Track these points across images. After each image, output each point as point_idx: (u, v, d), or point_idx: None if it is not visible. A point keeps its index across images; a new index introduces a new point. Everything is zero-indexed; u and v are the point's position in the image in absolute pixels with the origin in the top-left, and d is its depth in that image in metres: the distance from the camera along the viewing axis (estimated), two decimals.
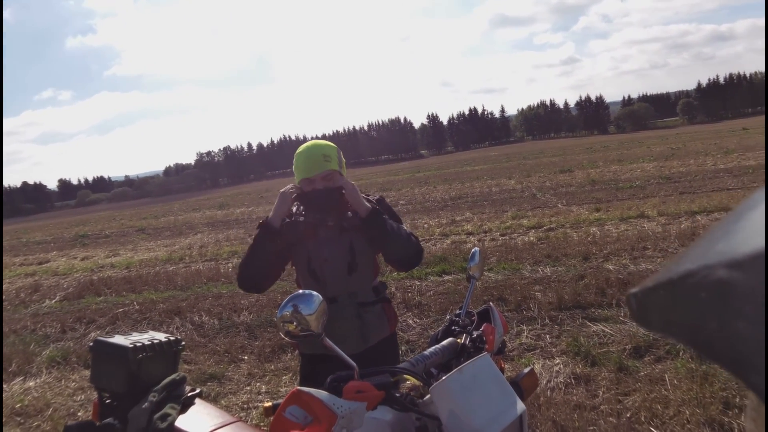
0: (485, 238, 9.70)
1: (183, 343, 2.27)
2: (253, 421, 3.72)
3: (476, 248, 2.11)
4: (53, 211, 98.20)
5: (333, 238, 2.15)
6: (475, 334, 1.73)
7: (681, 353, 3.89)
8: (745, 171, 14.80)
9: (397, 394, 1.38)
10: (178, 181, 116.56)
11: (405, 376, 1.47)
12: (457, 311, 1.90)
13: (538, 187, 17.34)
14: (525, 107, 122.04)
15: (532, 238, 8.92)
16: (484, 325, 1.79)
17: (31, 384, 4.99)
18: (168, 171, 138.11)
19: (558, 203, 12.95)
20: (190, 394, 2.08)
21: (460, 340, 1.73)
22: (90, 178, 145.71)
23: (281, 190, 2.18)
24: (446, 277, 6.88)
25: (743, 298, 0.29)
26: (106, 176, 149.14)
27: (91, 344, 2.11)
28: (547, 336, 4.63)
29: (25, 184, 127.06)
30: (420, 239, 2.25)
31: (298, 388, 1.26)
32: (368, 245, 2.17)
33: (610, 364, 3.89)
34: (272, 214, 2.15)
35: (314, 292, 1.34)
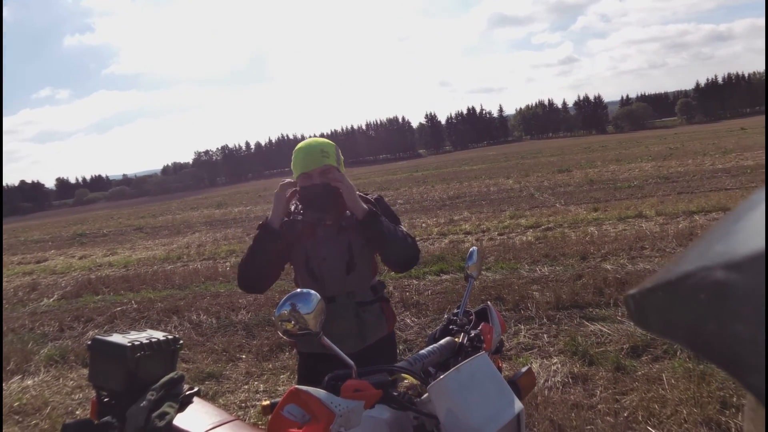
0: (483, 237, 9.70)
1: (181, 341, 2.27)
2: (251, 420, 3.72)
3: (474, 247, 2.11)
4: (51, 210, 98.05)
5: (331, 237, 2.14)
6: (472, 333, 1.74)
7: (678, 353, 3.90)
8: (743, 171, 14.82)
9: (395, 393, 1.38)
10: (176, 180, 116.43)
11: (403, 375, 1.47)
12: (455, 310, 1.90)
13: (536, 186, 17.35)
14: (523, 107, 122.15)
15: (530, 238, 8.93)
16: (482, 324, 1.79)
17: (29, 382, 4.98)
18: (166, 170, 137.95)
19: (556, 203, 12.97)
20: (188, 393, 2.08)
21: (457, 339, 1.73)
22: (88, 177, 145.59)
23: (275, 191, 2.17)
24: (444, 277, 6.88)
25: (742, 299, 0.29)
26: (104, 175, 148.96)
27: (90, 343, 2.11)
28: (545, 335, 4.64)
29: (23, 182, 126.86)
30: (418, 239, 2.25)
31: (296, 386, 1.26)
32: (366, 245, 2.17)
33: (607, 363, 3.90)
34: (271, 215, 2.14)
35: (312, 291, 1.34)
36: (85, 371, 4.42)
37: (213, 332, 5.81)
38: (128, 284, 8.98)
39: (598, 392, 3.54)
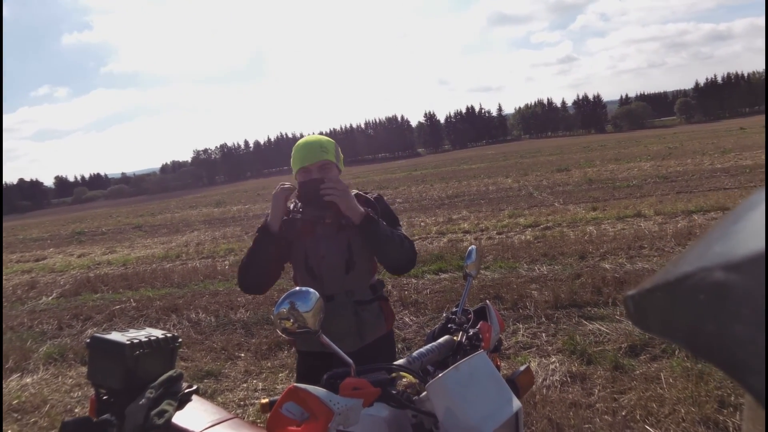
0: (482, 236, 9.70)
1: (180, 340, 2.27)
2: (250, 418, 3.72)
3: (473, 246, 2.11)
4: (50, 208, 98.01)
5: (331, 235, 2.14)
6: (471, 331, 1.74)
7: (676, 352, 3.90)
8: (742, 171, 14.84)
9: (394, 391, 1.38)
10: (175, 179, 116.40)
11: (401, 373, 1.47)
12: (454, 309, 1.90)
13: (535, 185, 17.36)
14: (522, 106, 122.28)
15: (528, 237, 8.93)
16: (481, 323, 1.79)
17: (28, 380, 4.97)
18: (165, 168, 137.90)
19: (555, 202, 12.97)
20: (187, 391, 2.08)
21: (456, 338, 1.74)
22: (87, 176, 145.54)
23: (273, 193, 2.15)
24: (443, 276, 6.88)
25: (741, 300, 0.29)
26: (102, 173, 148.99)
27: (88, 341, 2.11)
28: (543, 334, 4.64)
29: (21, 181, 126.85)
30: (417, 237, 2.25)
31: (295, 384, 1.27)
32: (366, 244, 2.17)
33: (605, 362, 3.90)
34: (269, 218, 2.13)
35: (311, 290, 1.34)
36: (84, 369, 4.41)
37: (212, 330, 5.81)
38: (127, 282, 8.97)
39: (597, 391, 3.54)
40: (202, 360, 4.99)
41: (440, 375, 1.42)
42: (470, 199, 15.99)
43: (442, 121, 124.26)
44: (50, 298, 8.64)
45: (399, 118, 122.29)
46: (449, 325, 1.82)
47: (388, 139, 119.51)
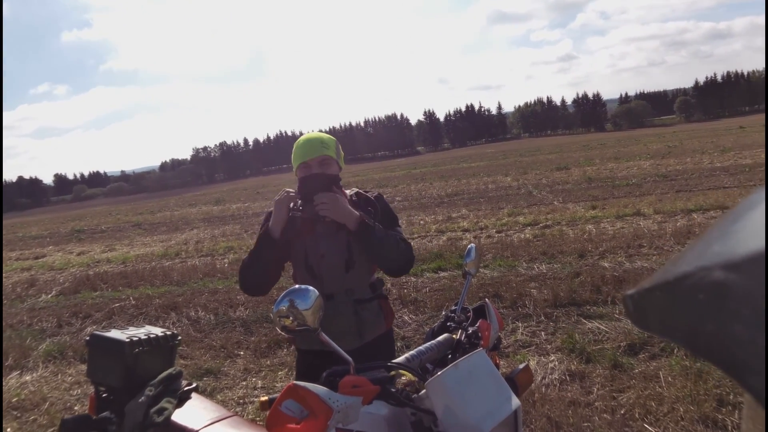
0: (481, 234, 9.71)
1: (179, 337, 2.27)
2: (249, 416, 3.72)
3: (472, 245, 2.11)
4: (49, 206, 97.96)
5: (330, 234, 2.14)
6: (470, 330, 1.74)
7: (675, 351, 3.91)
8: (741, 169, 14.84)
9: (393, 389, 1.38)
10: (174, 177, 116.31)
11: (401, 371, 1.47)
12: (453, 307, 1.90)
13: (534, 184, 17.36)
14: (522, 104, 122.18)
15: (528, 235, 8.93)
16: (480, 321, 1.79)
17: (27, 378, 4.98)
18: (164, 166, 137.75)
19: (554, 200, 12.97)
20: (186, 389, 2.08)
21: (455, 336, 1.74)
22: (86, 173, 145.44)
23: (275, 199, 2.15)
24: (442, 274, 6.89)
25: (741, 300, 0.29)
26: (102, 171, 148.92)
27: (88, 338, 2.11)
28: (543, 333, 4.65)
29: (20, 178, 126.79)
30: (416, 236, 2.25)
31: (295, 382, 1.27)
32: None
33: (604, 361, 3.91)
34: (272, 223, 2.12)
35: (310, 287, 1.34)
36: (84, 367, 4.42)
37: (211, 328, 5.82)
38: (126, 280, 8.97)
39: (595, 390, 3.55)
40: (202, 358, 4.99)
41: (439, 373, 1.42)
42: (469, 197, 15.99)
43: (442, 119, 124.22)
44: (50, 295, 8.64)
45: (398, 117, 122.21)
46: (448, 324, 1.82)
47: (387, 137, 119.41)
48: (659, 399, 3.30)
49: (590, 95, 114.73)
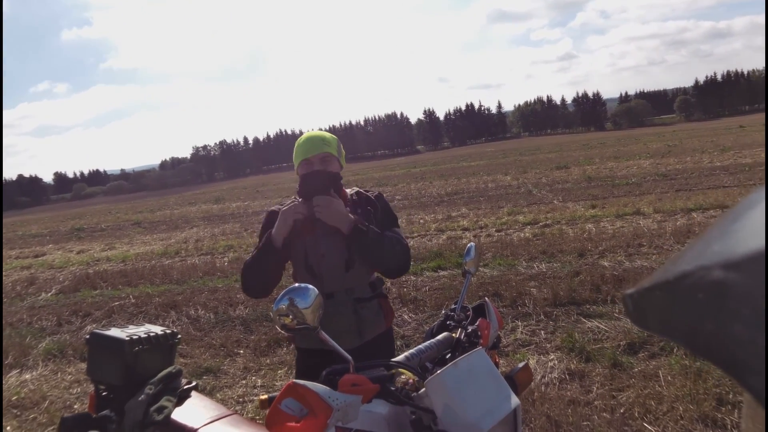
0: (481, 233, 9.71)
1: (179, 336, 2.27)
2: (249, 415, 3.72)
3: (472, 244, 2.11)
4: (49, 205, 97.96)
5: (330, 233, 2.13)
6: (470, 328, 1.74)
7: (675, 350, 3.91)
8: (741, 169, 14.84)
9: (393, 388, 1.39)
10: (174, 175, 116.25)
11: (400, 370, 1.47)
12: (453, 306, 1.90)
13: (534, 183, 17.35)
14: (522, 103, 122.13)
15: (527, 234, 8.93)
16: (479, 320, 1.80)
17: (27, 376, 4.98)
18: (164, 165, 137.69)
19: (554, 199, 12.97)
20: (186, 387, 2.08)
21: (455, 335, 1.74)
22: (86, 172, 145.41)
23: (282, 209, 2.13)
24: (442, 273, 6.89)
25: (741, 299, 0.29)
26: (101, 170, 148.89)
27: (88, 337, 2.11)
28: (542, 332, 4.65)
29: (20, 177, 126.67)
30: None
31: (294, 380, 1.27)
32: None
33: (604, 360, 3.91)
34: (275, 232, 2.11)
35: (310, 286, 1.34)
36: (84, 365, 4.42)
37: (211, 327, 5.82)
38: (126, 279, 8.97)
39: (595, 389, 3.55)
40: (201, 356, 5.00)
41: (439, 372, 1.42)
42: (469, 196, 15.99)
43: (442, 118, 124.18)
44: (49, 294, 8.64)
45: (398, 115, 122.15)
46: (448, 322, 1.82)
47: (387, 136, 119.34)
48: (659, 398, 3.30)
49: (590, 94, 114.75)
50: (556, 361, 4.00)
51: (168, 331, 2.20)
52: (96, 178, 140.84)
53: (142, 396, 1.96)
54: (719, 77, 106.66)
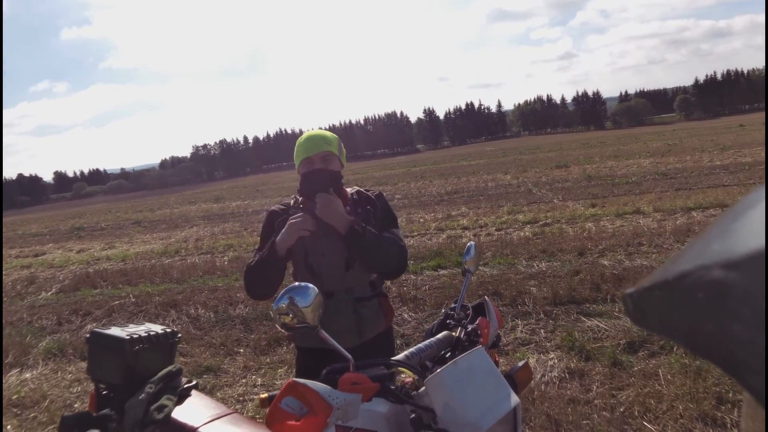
0: (481, 232, 9.71)
1: (179, 335, 2.27)
2: (249, 413, 3.72)
3: (472, 243, 2.11)
4: (49, 204, 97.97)
5: (331, 232, 2.13)
6: (470, 327, 1.74)
7: (675, 349, 3.91)
8: (741, 168, 14.83)
9: (392, 387, 1.39)
10: (174, 174, 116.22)
11: (400, 368, 1.47)
12: (453, 305, 1.90)
13: (534, 182, 17.35)
14: (522, 102, 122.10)
15: (527, 233, 8.94)
16: (479, 318, 1.80)
17: (27, 375, 4.98)
18: (164, 164, 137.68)
19: (554, 198, 12.97)
20: (186, 386, 2.09)
21: (455, 334, 1.74)
22: (86, 171, 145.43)
23: (291, 221, 2.09)
24: (442, 272, 6.89)
25: (740, 299, 0.29)
26: (101, 169, 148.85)
27: (88, 336, 2.11)
28: (542, 330, 4.65)
29: (20, 176, 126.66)
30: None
31: (294, 379, 1.27)
32: None
33: (604, 358, 3.91)
34: (279, 241, 2.09)
35: (310, 285, 1.34)
36: (84, 364, 4.42)
37: (211, 326, 5.82)
38: (126, 278, 8.97)
39: (595, 387, 3.55)
40: (202, 355, 5.00)
41: (438, 370, 1.42)
42: (469, 195, 15.99)
43: (442, 117, 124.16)
44: (49, 293, 8.64)
45: (398, 115, 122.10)
46: (448, 321, 1.82)
47: (387, 135, 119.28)
48: (658, 397, 3.30)
49: (590, 93, 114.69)
50: (555, 360, 4.00)
51: (168, 330, 2.20)
52: (96, 177, 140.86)
53: (143, 395, 1.96)
54: (719, 76, 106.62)
